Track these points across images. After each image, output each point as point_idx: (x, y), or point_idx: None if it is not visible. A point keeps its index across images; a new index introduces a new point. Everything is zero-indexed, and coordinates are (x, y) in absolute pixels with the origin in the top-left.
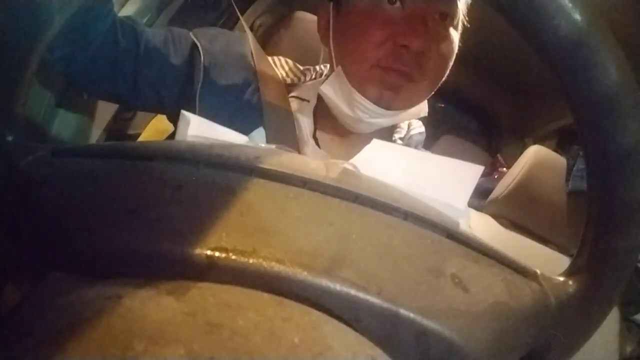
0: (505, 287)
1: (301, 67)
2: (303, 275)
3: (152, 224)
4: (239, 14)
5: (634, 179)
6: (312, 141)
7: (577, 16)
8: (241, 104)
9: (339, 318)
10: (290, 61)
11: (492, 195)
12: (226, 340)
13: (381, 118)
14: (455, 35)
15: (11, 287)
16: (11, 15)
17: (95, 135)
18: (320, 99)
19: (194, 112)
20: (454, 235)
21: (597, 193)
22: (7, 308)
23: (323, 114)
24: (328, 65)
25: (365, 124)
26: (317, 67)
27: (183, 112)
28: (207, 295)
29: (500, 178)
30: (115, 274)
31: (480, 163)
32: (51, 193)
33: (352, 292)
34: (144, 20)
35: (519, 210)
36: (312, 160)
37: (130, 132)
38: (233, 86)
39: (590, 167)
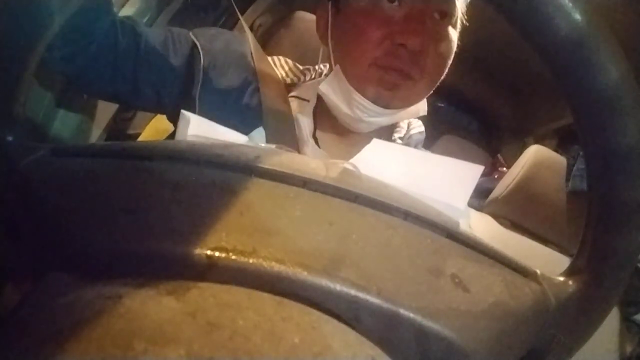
0: (505, 287)
1: (301, 67)
2: (303, 275)
3: (152, 223)
4: (239, 14)
5: (634, 179)
6: (312, 141)
7: (577, 16)
8: (241, 104)
9: (339, 318)
10: (290, 61)
11: (492, 195)
12: (226, 340)
13: (380, 117)
14: (453, 34)
15: (11, 287)
16: (11, 15)
17: (95, 135)
18: (320, 98)
19: (193, 112)
20: (454, 235)
21: (597, 193)
22: (7, 308)
23: (323, 113)
24: (328, 65)
25: (365, 123)
26: (317, 67)
27: (183, 112)
28: (207, 295)
29: (500, 178)
30: (115, 274)
31: (480, 163)
32: (51, 193)
33: (352, 292)
34: (144, 20)
35: (519, 210)
36: (312, 160)
37: (130, 132)
38: (233, 86)
39: (590, 167)
